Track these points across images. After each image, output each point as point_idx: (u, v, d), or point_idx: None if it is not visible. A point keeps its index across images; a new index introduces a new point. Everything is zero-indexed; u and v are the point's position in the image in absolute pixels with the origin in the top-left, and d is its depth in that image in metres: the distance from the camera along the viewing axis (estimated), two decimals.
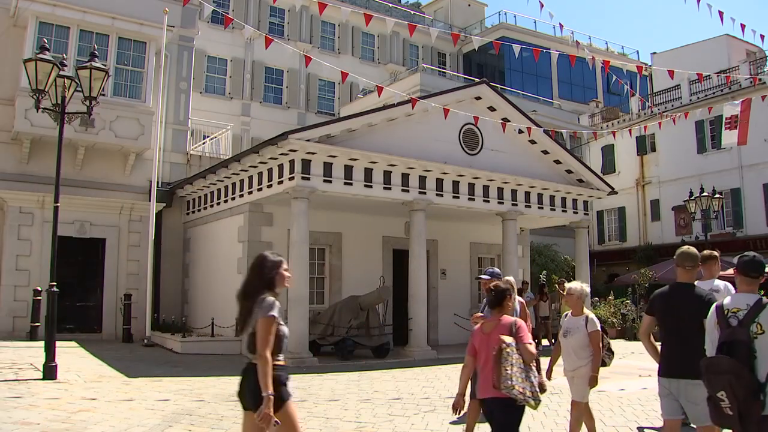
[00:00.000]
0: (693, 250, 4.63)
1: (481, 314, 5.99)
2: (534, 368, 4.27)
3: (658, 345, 4.67)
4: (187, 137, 18.15)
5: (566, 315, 5.92)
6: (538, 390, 4.20)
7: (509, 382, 4.06)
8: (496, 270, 6.95)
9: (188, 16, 18.14)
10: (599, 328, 5.65)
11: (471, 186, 14.78)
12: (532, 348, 4.29)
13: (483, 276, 6.67)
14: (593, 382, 5.58)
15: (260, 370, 3.54)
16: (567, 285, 6.01)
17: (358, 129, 13.11)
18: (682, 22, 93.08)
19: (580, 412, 5.82)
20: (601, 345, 5.62)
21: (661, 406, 4.52)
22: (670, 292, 4.61)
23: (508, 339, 4.22)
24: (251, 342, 3.68)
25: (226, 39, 26.85)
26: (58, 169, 9.90)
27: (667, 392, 4.41)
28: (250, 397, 3.66)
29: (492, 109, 15.25)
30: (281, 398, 3.60)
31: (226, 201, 15.10)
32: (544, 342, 16.25)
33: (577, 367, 5.62)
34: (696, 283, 4.69)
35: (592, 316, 5.71)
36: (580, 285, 5.83)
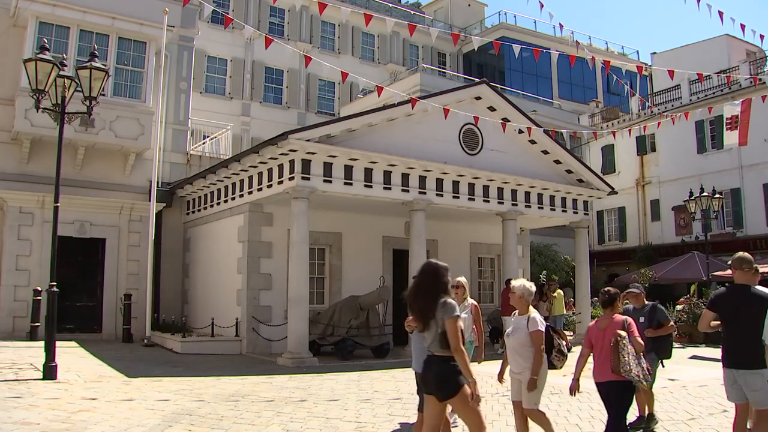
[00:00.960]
0: (748, 255, 5.39)
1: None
2: (642, 356, 5.25)
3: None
4: (187, 137, 18.15)
5: (513, 314, 5.78)
6: (648, 373, 5.20)
7: (627, 367, 5.03)
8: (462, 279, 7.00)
9: (188, 16, 18.14)
10: (542, 328, 5.38)
11: (471, 186, 14.78)
12: (640, 340, 5.29)
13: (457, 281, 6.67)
14: (531, 385, 5.29)
15: (461, 361, 4.31)
16: (511, 283, 5.73)
17: (358, 129, 13.11)
18: (682, 22, 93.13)
19: (540, 420, 5.46)
20: (543, 346, 5.34)
21: (727, 392, 5.33)
22: (730, 292, 5.38)
23: (623, 333, 5.21)
24: (442, 339, 4.34)
25: (226, 39, 26.86)
26: (58, 169, 9.90)
27: (732, 381, 5.18)
28: (435, 383, 4.38)
29: (492, 109, 15.25)
30: (461, 383, 4.33)
31: (226, 201, 15.10)
32: None
33: (523, 369, 5.42)
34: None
35: (535, 315, 5.47)
36: (522, 283, 5.64)
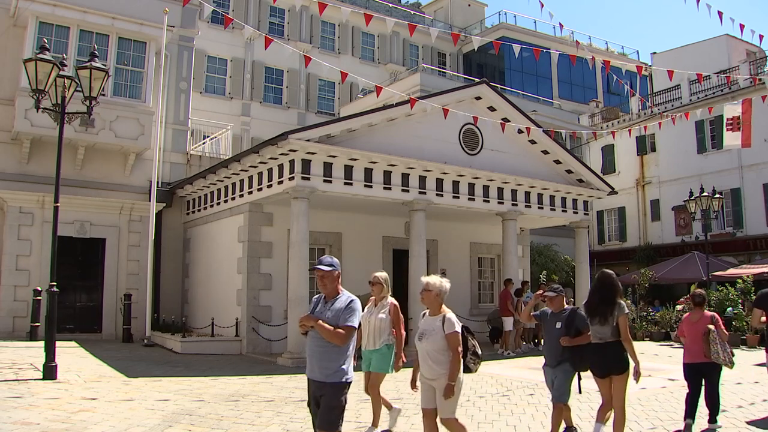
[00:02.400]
0: None
1: (310, 315, 4.46)
2: (726, 344, 6.59)
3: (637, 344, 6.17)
4: (187, 137, 18.15)
5: (423, 315, 5.22)
6: (731, 357, 6.57)
7: (716, 354, 6.53)
8: (335, 260, 4.67)
9: (188, 16, 18.14)
10: (459, 329, 4.97)
11: (471, 186, 14.78)
12: (725, 331, 6.51)
13: (321, 267, 4.46)
14: (449, 392, 4.85)
15: (629, 347, 5.67)
16: (424, 279, 5.09)
17: (358, 129, 13.11)
18: (682, 22, 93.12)
19: (459, 430, 5.07)
20: (461, 349, 4.98)
21: None
22: None
23: (712, 326, 6.64)
24: (615, 330, 5.70)
25: (226, 39, 26.85)
26: (58, 169, 9.90)
27: None
28: (611, 362, 5.72)
29: (492, 109, 15.25)
30: (629, 363, 5.69)
31: (226, 201, 15.10)
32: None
33: (438, 375, 4.94)
34: None
35: (450, 315, 4.98)
36: (439, 280, 5.07)
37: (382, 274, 6.72)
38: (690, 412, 6.69)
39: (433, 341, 4.94)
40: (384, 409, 6.71)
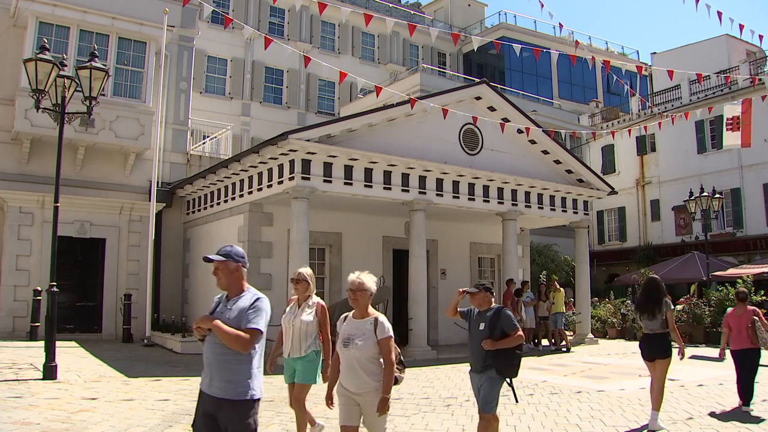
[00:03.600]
0: None
1: (207, 315, 4.05)
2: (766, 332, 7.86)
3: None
4: (187, 137, 18.14)
5: (344, 318, 4.51)
6: None
7: (763, 339, 7.78)
8: (238, 249, 4.32)
9: (188, 16, 18.14)
10: (392, 333, 4.32)
11: (471, 186, 14.78)
12: (765, 320, 7.79)
13: (212, 256, 4.18)
14: (383, 406, 4.15)
15: (676, 336, 6.94)
16: (356, 277, 4.50)
17: (358, 129, 13.11)
18: (682, 22, 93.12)
19: None
20: (395, 356, 4.33)
21: None
22: None
23: (756, 318, 7.88)
24: (663, 324, 6.89)
25: (226, 39, 26.86)
26: (58, 169, 9.90)
27: None
28: (660, 349, 6.85)
29: (492, 109, 15.25)
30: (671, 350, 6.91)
31: (226, 201, 15.10)
32: (544, 342, 16.24)
33: (369, 388, 4.21)
34: None
35: (382, 318, 4.35)
36: (368, 278, 4.49)
37: (307, 270, 5.99)
38: (745, 397, 7.79)
39: (363, 348, 4.23)
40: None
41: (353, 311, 4.45)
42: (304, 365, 5.76)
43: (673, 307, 7.02)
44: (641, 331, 7.21)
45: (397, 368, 4.35)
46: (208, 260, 3.81)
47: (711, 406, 8.10)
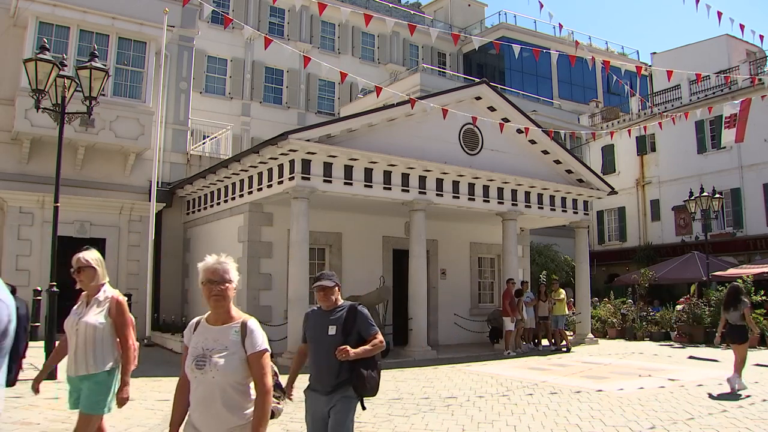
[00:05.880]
0: None
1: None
2: None
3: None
4: (187, 137, 18.15)
5: (195, 324, 3.17)
6: None
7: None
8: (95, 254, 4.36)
9: (188, 16, 18.14)
10: (267, 345, 3.07)
11: (471, 186, 14.78)
12: None
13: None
14: None
15: (752, 326, 9.38)
16: (204, 263, 3.10)
17: (358, 129, 13.11)
18: (682, 22, 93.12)
19: None
20: (271, 379, 3.08)
21: None
22: None
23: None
24: (741, 317, 9.11)
25: (226, 39, 26.86)
26: (58, 169, 9.90)
27: None
28: (738, 338, 9.28)
29: (492, 109, 15.25)
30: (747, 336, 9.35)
31: (226, 201, 15.10)
32: (544, 342, 16.24)
33: (235, 425, 2.96)
34: None
35: (253, 324, 3.08)
36: (228, 261, 3.14)
37: (90, 254, 4.35)
38: None
39: (226, 369, 2.95)
40: None
41: (208, 314, 3.14)
42: (91, 388, 4.23)
43: (749, 304, 9.40)
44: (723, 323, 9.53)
45: (274, 396, 3.19)
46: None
47: (711, 406, 8.10)
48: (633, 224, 28.62)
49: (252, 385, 3.02)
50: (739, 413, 7.63)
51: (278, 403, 3.42)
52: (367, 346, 3.98)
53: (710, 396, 8.86)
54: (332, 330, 4.02)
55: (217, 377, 2.95)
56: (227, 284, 3.05)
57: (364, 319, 4.10)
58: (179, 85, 17.89)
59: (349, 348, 3.85)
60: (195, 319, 3.20)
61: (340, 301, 4.18)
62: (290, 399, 4.02)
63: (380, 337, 4.09)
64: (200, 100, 24.37)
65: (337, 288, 4.14)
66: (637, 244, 27.77)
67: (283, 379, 3.79)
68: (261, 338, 3.05)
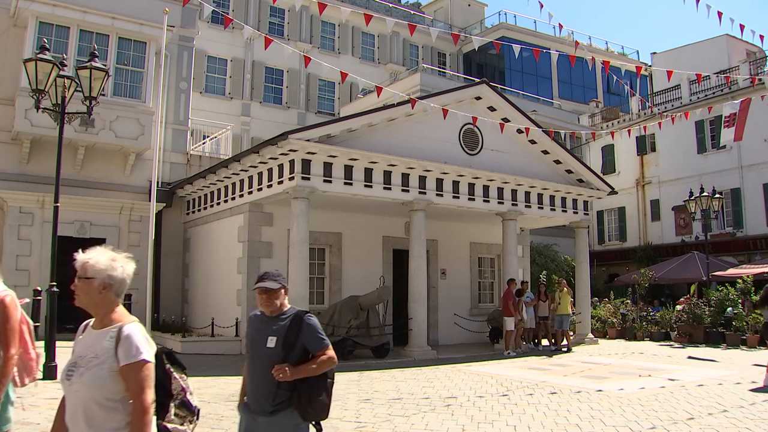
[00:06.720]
0: None
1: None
2: None
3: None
4: (187, 137, 18.15)
5: (84, 327, 2.72)
6: None
7: None
8: None
9: (188, 16, 18.15)
10: (149, 355, 2.53)
11: (471, 186, 14.78)
12: None
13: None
14: None
15: None
16: (81, 256, 2.66)
17: (358, 129, 13.11)
18: (682, 22, 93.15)
19: None
20: (151, 396, 2.49)
21: None
22: None
23: None
24: None
25: (226, 39, 26.85)
26: (58, 169, 9.90)
27: None
28: None
29: (492, 109, 15.25)
30: None
31: (226, 201, 15.10)
32: (544, 342, 16.24)
33: None
34: None
35: (132, 327, 2.59)
36: (110, 257, 2.79)
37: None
38: None
39: (91, 382, 2.48)
40: None
41: (94, 319, 2.68)
42: None
43: None
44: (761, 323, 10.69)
45: (179, 417, 2.68)
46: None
47: (711, 406, 8.10)
48: (633, 224, 28.62)
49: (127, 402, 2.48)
50: (740, 413, 7.63)
51: (183, 424, 2.80)
52: (311, 364, 3.36)
53: (751, 390, 9.16)
54: (271, 342, 3.41)
55: (81, 390, 2.48)
56: (87, 280, 2.59)
57: (311, 331, 3.47)
58: (179, 85, 17.89)
59: (287, 367, 3.27)
60: (86, 322, 2.74)
61: (287, 307, 3.55)
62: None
63: (331, 353, 3.48)
64: (200, 100, 24.36)
65: (283, 291, 3.53)
66: (637, 244, 27.77)
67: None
68: (139, 346, 2.50)
